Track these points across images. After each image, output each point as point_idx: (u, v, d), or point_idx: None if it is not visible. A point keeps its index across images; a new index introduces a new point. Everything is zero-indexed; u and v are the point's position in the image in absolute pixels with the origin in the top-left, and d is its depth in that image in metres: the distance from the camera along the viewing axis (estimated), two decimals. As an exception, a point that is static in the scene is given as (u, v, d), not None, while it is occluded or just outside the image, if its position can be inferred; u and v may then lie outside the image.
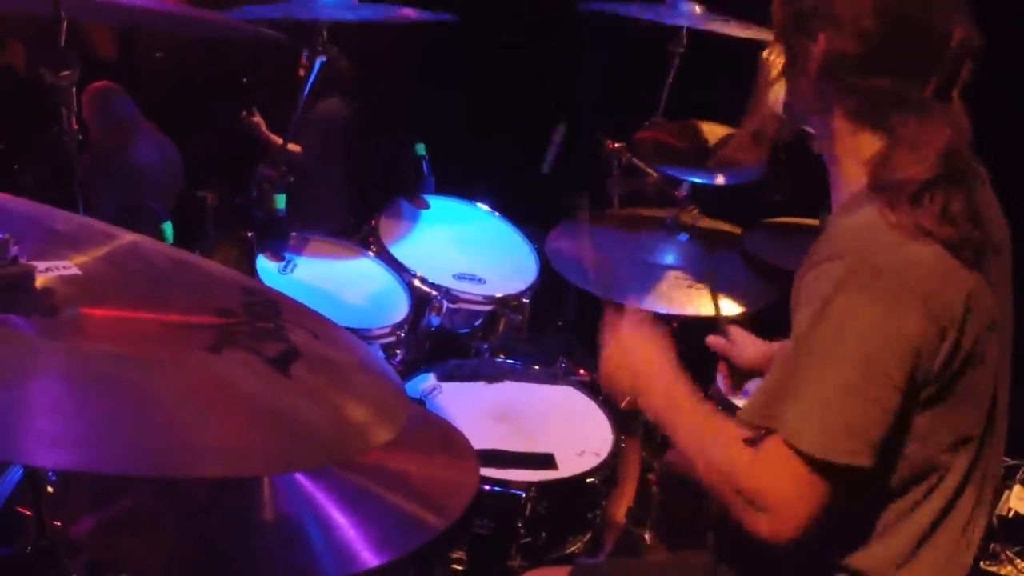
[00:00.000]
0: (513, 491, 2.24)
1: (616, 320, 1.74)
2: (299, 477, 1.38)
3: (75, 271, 1.12)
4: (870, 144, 1.43)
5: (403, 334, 2.58)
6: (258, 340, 0.99)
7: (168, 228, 2.36)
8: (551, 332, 3.97)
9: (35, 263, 1.10)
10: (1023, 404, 1.65)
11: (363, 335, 2.49)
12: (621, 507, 2.63)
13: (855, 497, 1.37)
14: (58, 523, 1.48)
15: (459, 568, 2.31)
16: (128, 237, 1.24)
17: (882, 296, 1.31)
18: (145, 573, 1.72)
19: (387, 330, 2.55)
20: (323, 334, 1.11)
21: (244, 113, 4.47)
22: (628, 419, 3.05)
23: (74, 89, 1.89)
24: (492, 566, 2.31)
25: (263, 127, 4.46)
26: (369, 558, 1.26)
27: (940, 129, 1.37)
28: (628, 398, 1.67)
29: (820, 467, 1.31)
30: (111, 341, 0.97)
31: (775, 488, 1.35)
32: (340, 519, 1.32)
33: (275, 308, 1.11)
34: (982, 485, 1.50)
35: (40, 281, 1.08)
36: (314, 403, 0.92)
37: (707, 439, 1.48)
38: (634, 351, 1.68)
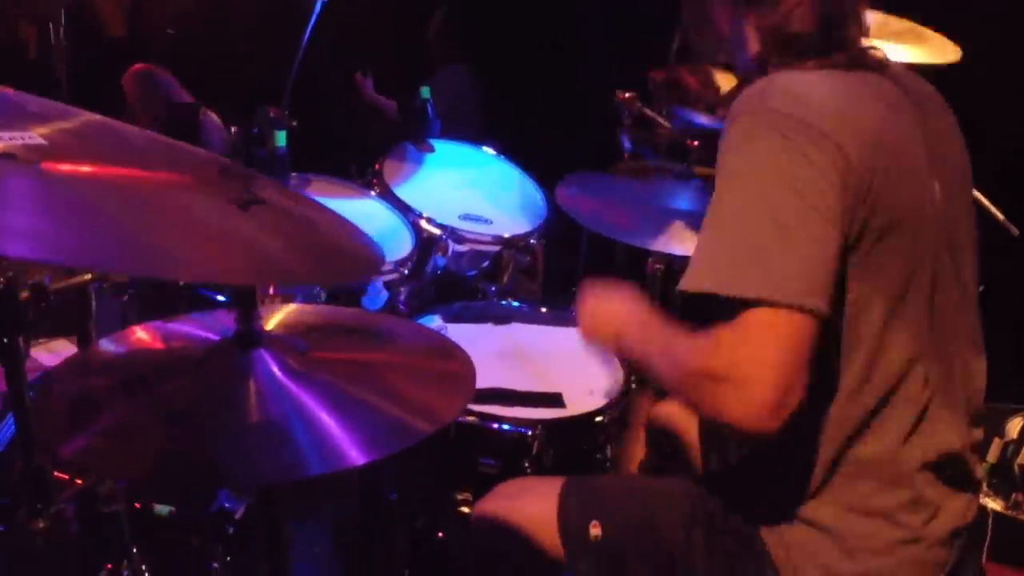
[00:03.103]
0: (519, 429, 2.18)
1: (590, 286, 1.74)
2: (285, 381, 1.32)
3: (40, 141, 1.06)
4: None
5: (406, 271, 2.52)
6: (228, 187, 0.94)
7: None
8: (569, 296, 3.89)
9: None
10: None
11: (365, 271, 2.44)
12: (634, 460, 2.56)
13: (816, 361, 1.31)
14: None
15: (466, 510, 2.25)
16: (100, 117, 1.17)
17: (780, 134, 1.32)
18: (133, 481, 1.69)
19: (390, 266, 2.49)
20: (299, 200, 1.06)
21: (359, 75, 4.45)
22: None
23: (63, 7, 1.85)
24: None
25: (368, 91, 4.42)
26: (356, 457, 1.20)
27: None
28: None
29: (774, 316, 1.26)
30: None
31: (740, 352, 1.28)
32: (327, 420, 1.26)
33: (252, 176, 1.06)
34: (936, 384, 1.47)
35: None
36: (278, 237, 0.88)
37: (674, 349, 1.43)
38: (607, 302, 1.67)
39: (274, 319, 1.51)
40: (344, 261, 1.02)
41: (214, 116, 4.29)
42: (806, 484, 1.51)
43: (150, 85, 4.20)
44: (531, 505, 1.83)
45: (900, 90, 1.51)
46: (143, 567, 1.91)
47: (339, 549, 2.45)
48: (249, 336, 1.36)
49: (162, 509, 2.14)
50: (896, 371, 1.44)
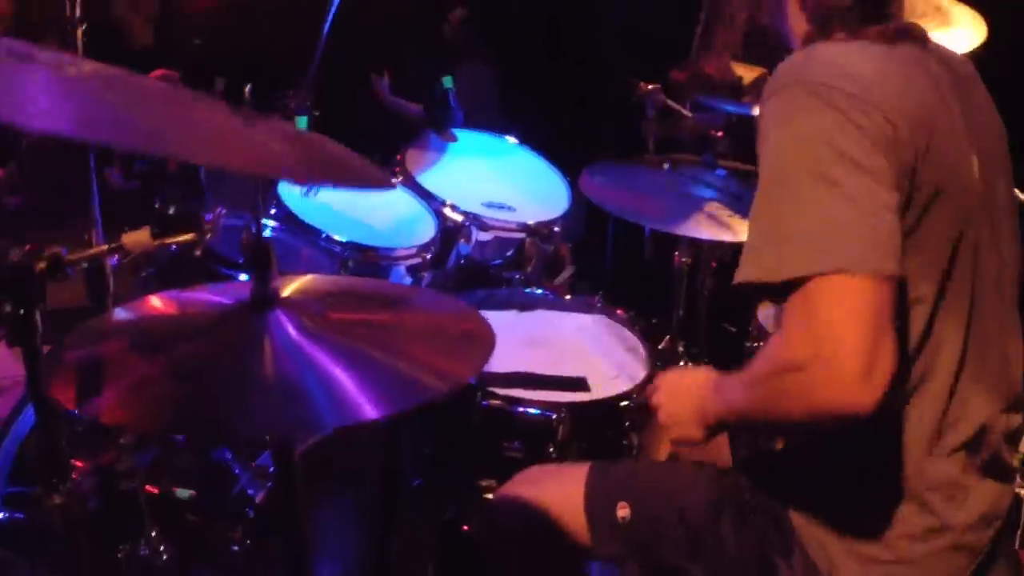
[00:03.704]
0: (544, 412, 2.15)
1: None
2: (300, 340, 1.30)
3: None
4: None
5: (429, 255, 2.50)
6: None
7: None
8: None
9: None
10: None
11: (387, 255, 2.42)
12: (662, 451, 2.53)
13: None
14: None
15: (490, 497, 2.22)
16: (112, 67, 1.16)
17: (827, 105, 1.29)
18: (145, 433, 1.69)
19: (412, 251, 2.47)
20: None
21: (375, 77, 4.48)
22: (667, 355, 2.94)
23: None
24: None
25: (384, 92, 4.44)
26: (370, 411, 1.17)
27: None
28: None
29: (843, 284, 1.21)
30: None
31: (816, 330, 1.22)
32: (342, 377, 1.23)
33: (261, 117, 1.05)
34: (973, 361, 1.43)
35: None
36: (284, 143, 0.88)
37: (749, 372, 1.38)
38: (678, 391, 1.62)
39: (291, 287, 1.49)
40: (350, 169, 1.02)
41: None
42: (837, 468, 1.48)
43: None
44: (557, 488, 1.80)
45: (941, 64, 1.48)
46: (161, 548, 1.89)
47: (362, 537, 2.42)
48: (264, 298, 1.34)
49: (183, 493, 2.12)
50: (935, 346, 1.40)
